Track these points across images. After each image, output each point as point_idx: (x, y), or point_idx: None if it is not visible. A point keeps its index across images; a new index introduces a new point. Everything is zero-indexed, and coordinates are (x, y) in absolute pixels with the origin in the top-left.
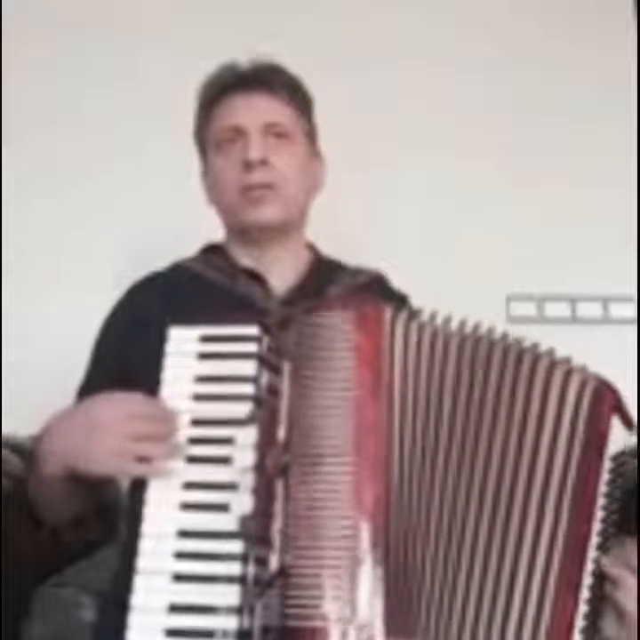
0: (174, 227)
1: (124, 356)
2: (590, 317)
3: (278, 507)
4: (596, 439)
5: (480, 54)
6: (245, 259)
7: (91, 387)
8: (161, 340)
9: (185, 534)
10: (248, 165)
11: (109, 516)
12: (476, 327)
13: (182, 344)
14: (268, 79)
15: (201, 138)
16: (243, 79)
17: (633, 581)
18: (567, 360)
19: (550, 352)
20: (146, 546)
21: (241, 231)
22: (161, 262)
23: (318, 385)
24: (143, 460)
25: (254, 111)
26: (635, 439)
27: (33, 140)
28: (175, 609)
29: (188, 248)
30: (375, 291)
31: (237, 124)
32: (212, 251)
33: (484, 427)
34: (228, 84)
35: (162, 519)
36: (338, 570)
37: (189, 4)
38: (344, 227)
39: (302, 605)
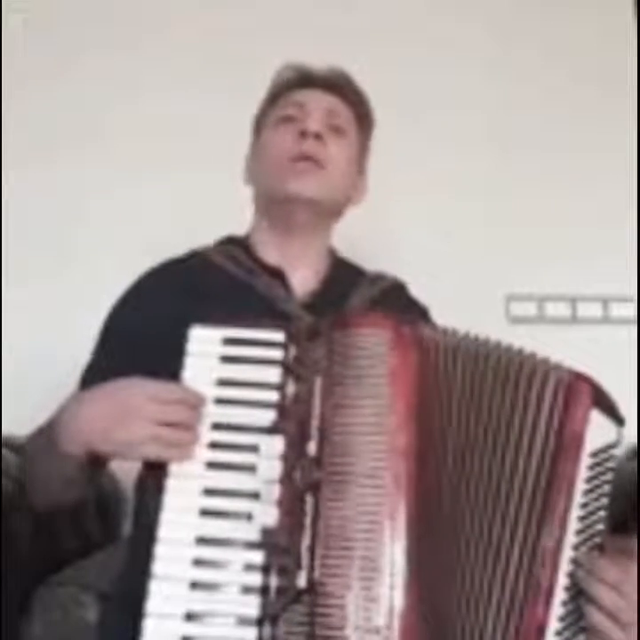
0: (173, 224)
1: (135, 347)
2: (590, 317)
3: (307, 523)
4: (571, 436)
5: (480, 53)
6: (269, 253)
7: (99, 374)
8: (174, 333)
9: (203, 541)
10: (304, 134)
11: (108, 507)
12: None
13: (204, 345)
14: (335, 82)
15: (260, 118)
16: (311, 78)
17: (608, 597)
18: (545, 360)
19: (525, 352)
20: (162, 551)
21: (276, 206)
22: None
23: (352, 404)
24: (173, 445)
25: (318, 98)
26: (620, 432)
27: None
28: (192, 617)
29: (183, 248)
30: (396, 299)
31: (301, 101)
32: (232, 243)
33: (498, 450)
34: (296, 81)
35: (180, 525)
36: (366, 591)
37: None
38: (343, 227)
39: (327, 625)
